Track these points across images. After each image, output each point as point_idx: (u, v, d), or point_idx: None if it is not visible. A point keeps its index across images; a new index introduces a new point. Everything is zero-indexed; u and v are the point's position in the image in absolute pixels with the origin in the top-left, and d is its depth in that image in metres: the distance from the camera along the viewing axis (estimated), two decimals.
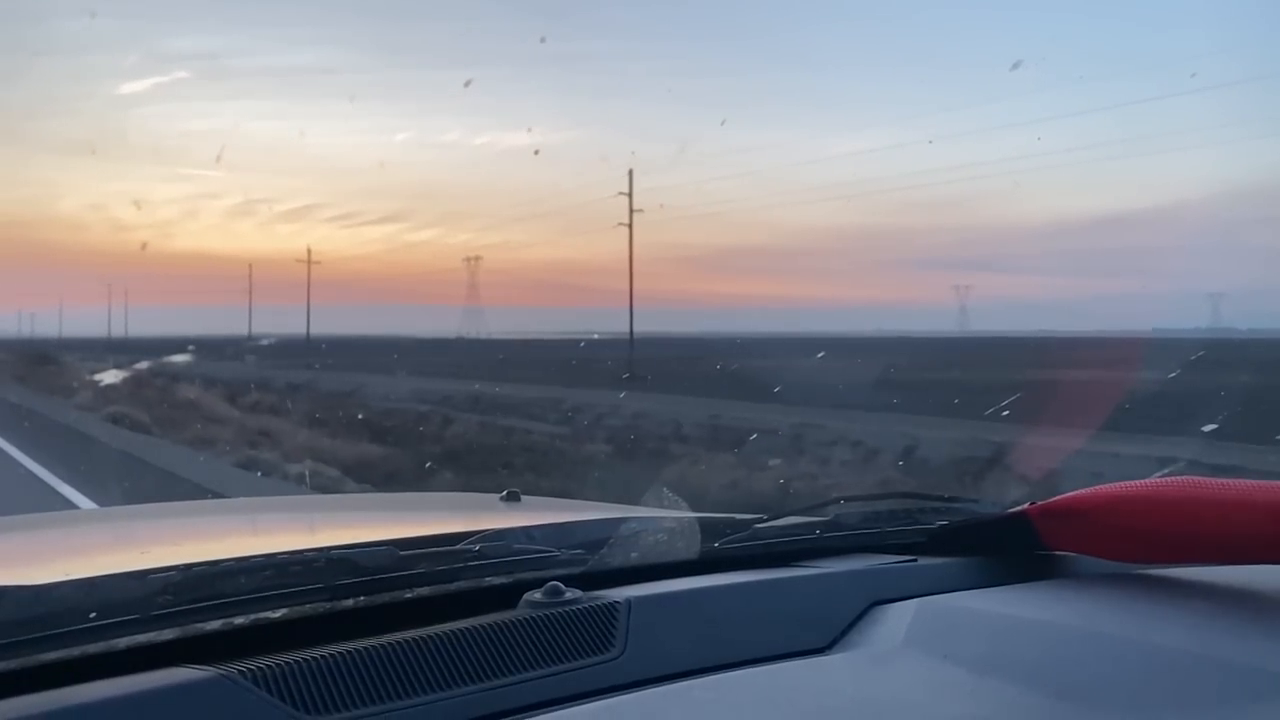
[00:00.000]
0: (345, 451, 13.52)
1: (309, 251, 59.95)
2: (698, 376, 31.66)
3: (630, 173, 37.81)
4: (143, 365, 31.78)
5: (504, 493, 1.66)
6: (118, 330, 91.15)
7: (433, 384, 30.36)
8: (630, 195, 37.12)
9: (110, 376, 25.31)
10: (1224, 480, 1.09)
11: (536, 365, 39.85)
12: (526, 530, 1.15)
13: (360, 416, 19.82)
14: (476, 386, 28.55)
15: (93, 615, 0.82)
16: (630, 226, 37.11)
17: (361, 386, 29.87)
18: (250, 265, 68.72)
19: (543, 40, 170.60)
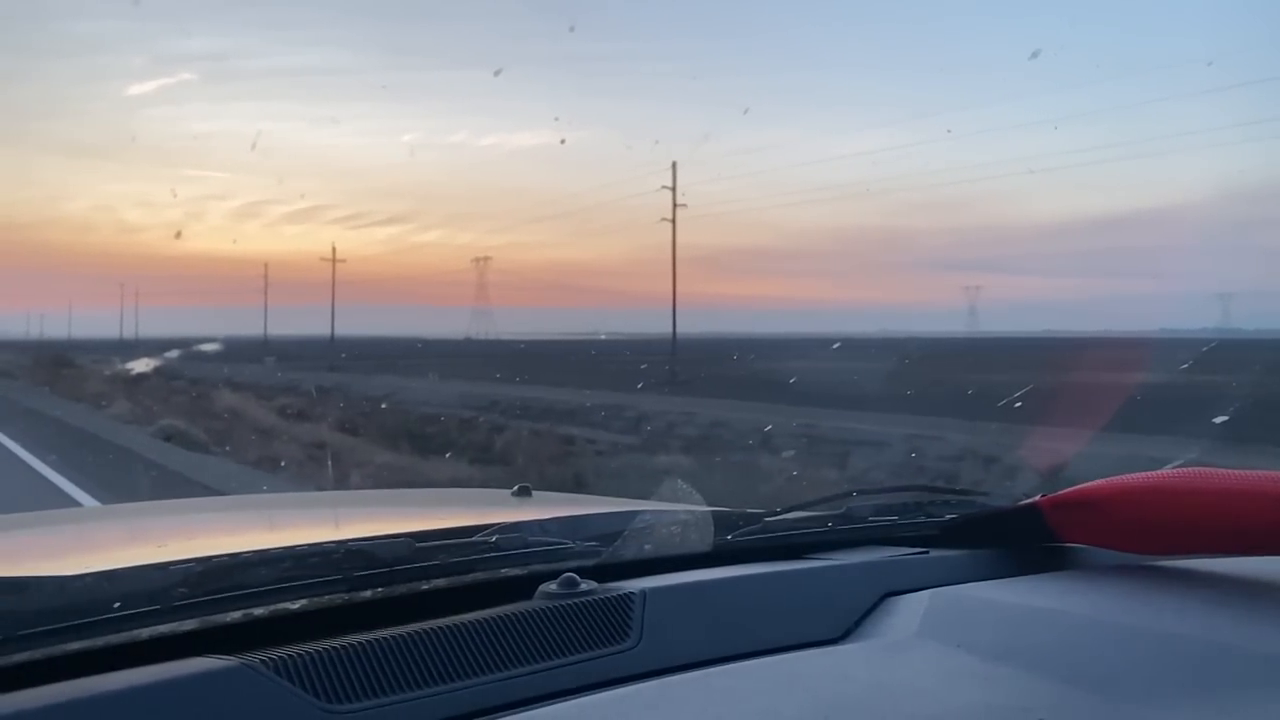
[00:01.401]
0: (427, 471, 12.08)
1: (334, 250, 58.25)
2: (746, 379, 30.26)
3: (674, 165, 36.21)
4: (164, 366, 30.39)
5: (515, 488, 1.66)
6: (128, 331, 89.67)
7: (469, 387, 28.91)
8: (674, 189, 35.55)
9: (137, 380, 23.86)
10: (1234, 471, 1.08)
11: (567, 367, 38.39)
12: (541, 523, 1.16)
13: (413, 426, 18.50)
14: (516, 390, 27.17)
15: (116, 606, 0.82)
16: (674, 221, 35.57)
17: (396, 391, 28.40)
18: (266, 265, 66.98)
19: (572, 29, 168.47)
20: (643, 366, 39.38)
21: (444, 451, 15.48)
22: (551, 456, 16.12)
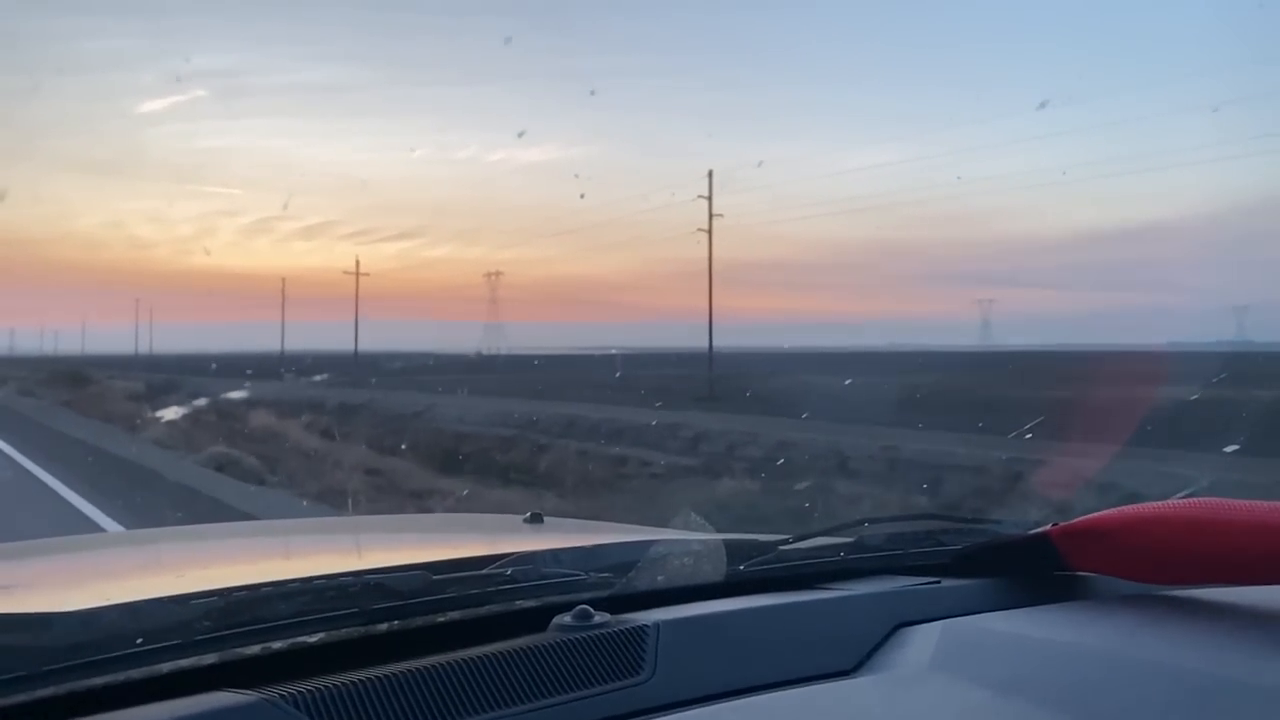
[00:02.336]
0: (492, 499, 10.99)
1: (357, 263, 57.21)
2: (789, 395, 29.11)
3: (710, 174, 35.17)
4: (183, 382, 29.37)
5: (528, 514, 1.64)
6: (141, 347, 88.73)
7: (501, 405, 27.80)
8: (710, 198, 34.47)
9: (164, 399, 22.77)
10: (1246, 501, 1.07)
11: (594, 382, 37.27)
12: (554, 553, 1.15)
13: (461, 448, 17.43)
14: (552, 408, 26.03)
15: (138, 641, 0.83)
16: (710, 232, 34.47)
17: (428, 408, 27.30)
18: (284, 280, 66.17)
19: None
20: (673, 382, 38.30)
21: (499, 475, 14.47)
22: (604, 480, 15.07)
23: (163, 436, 13.83)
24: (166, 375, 38.08)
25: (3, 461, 11.20)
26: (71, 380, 32.82)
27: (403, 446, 16.62)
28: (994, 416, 18.02)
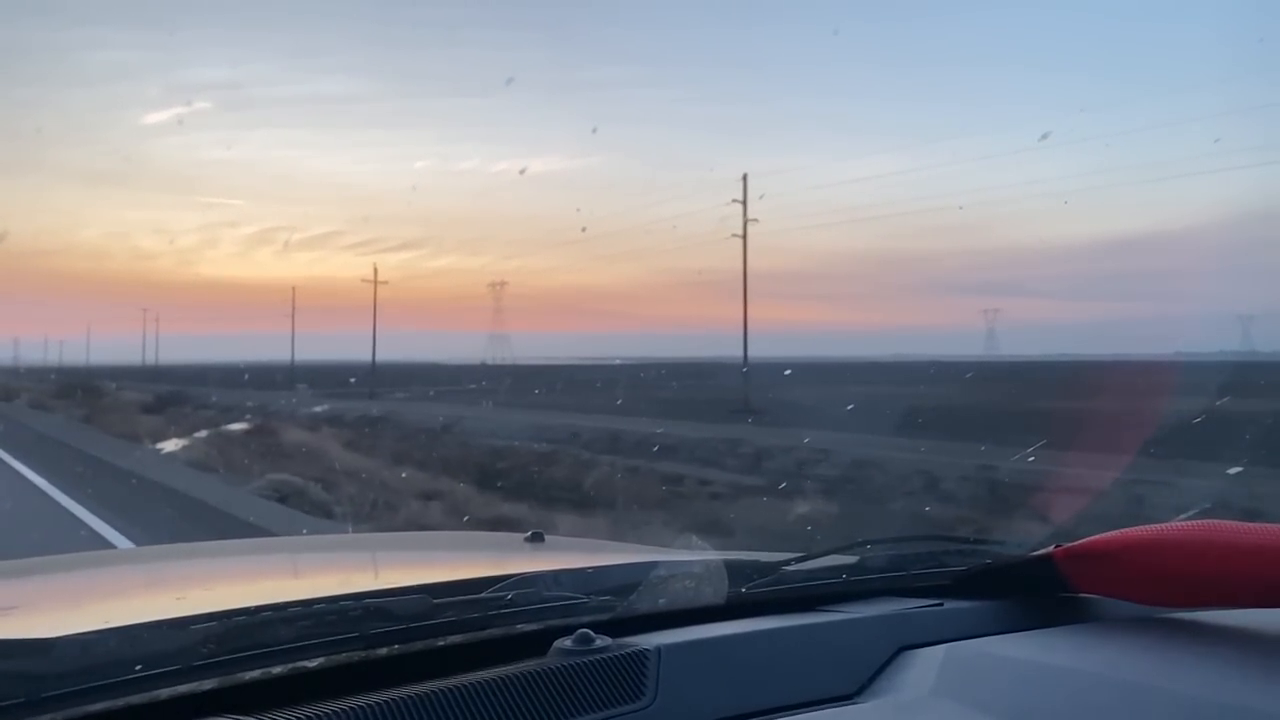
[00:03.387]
0: (561, 523, 9.81)
1: (375, 271, 55.83)
2: (830, 407, 27.98)
3: (745, 178, 34.01)
4: (200, 395, 28.21)
5: (529, 533, 1.64)
6: (147, 357, 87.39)
7: (531, 417, 26.61)
8: (744, 203, 33.32)
9: (186, 413, 21.58)
10: (1250, 524, 1.07)
11: (620, 393, 36.11)
12: (555, 575, 1.14)
13: (508, 467, 16.27)
14: (589, 420, 24.85)
15: (137, 667, 0.82)
16: (745, 237, 33.31)
17: (455, 421, 26.11)
18: (294, 290, 65.03)
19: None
20: (695, 393, 37.21)
21: (562, 497, 13.33)
22: (658, 500, 13.93)
23: (202, 458, 12.52)
24: (177, 387, 36.90)
25: (40, 499, 9.75)
26: (83, 393, 31.52)
27: (449, 466, 15.49)
28: (1059, 431, 16.93)
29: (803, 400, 31.20)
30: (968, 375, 56.57)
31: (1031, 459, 14.68)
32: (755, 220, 33.82)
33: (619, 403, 31.92)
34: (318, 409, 27.96)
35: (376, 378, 49.32)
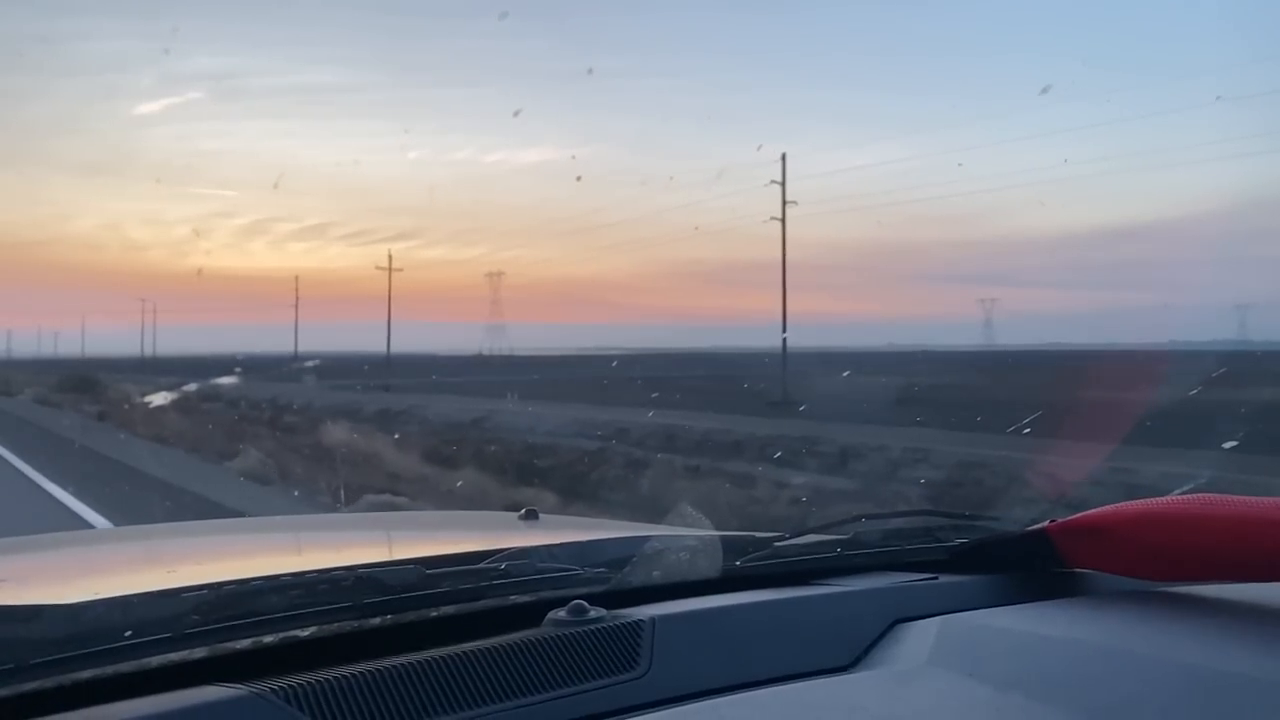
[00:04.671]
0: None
1: (390, 258, 54.21)
2: (875, 399, 26.61)
3: (783, 156, 32.48)
4: (210, 390, 26.67)
5: (523, 510, 1.63)
6: (144, 349, 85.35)
7: (565, 411, 25.17)
8: (783, 184, 31.84)
9: (206, 409, 20.00)
10: (1244, 497, 1.07)
11: (647, 385, 34.68)
12: (549, 548, 1.14)
13: (567, 468, 14.90)
14: (625, 414, 23.40)
15: (127, 634, 0.82)
16: (784, 220, 31.84)
17: (486, 416, 24.65)
18: (298, 279, 63.05)
19: (590, 71, 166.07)
20: (716, 384, 35.82)
21: (643, 504, 11.96)
22: (731, 505, 12.56)
23: (255, 468, 10.87)
24: (180, 378, 35.24)
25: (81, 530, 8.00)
26: (88, 386, 29.83)
27: (514, 468, 14.10)
28: (1161, 425, 15.58)
29: (838, 392, 29.82)
30: (984, 365, 55.52)
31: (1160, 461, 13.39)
32: (794, 203, 32.30)
33: (650, 395, 30.46)
34: (341, 402, 26.44)
35: (375, 369, 47.83)
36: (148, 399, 22.16)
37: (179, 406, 19.37)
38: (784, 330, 32.50)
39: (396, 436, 15.88)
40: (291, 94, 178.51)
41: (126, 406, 21.49)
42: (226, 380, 30.60)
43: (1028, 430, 15.87)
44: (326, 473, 10.60)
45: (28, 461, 12.50)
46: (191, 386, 27.57)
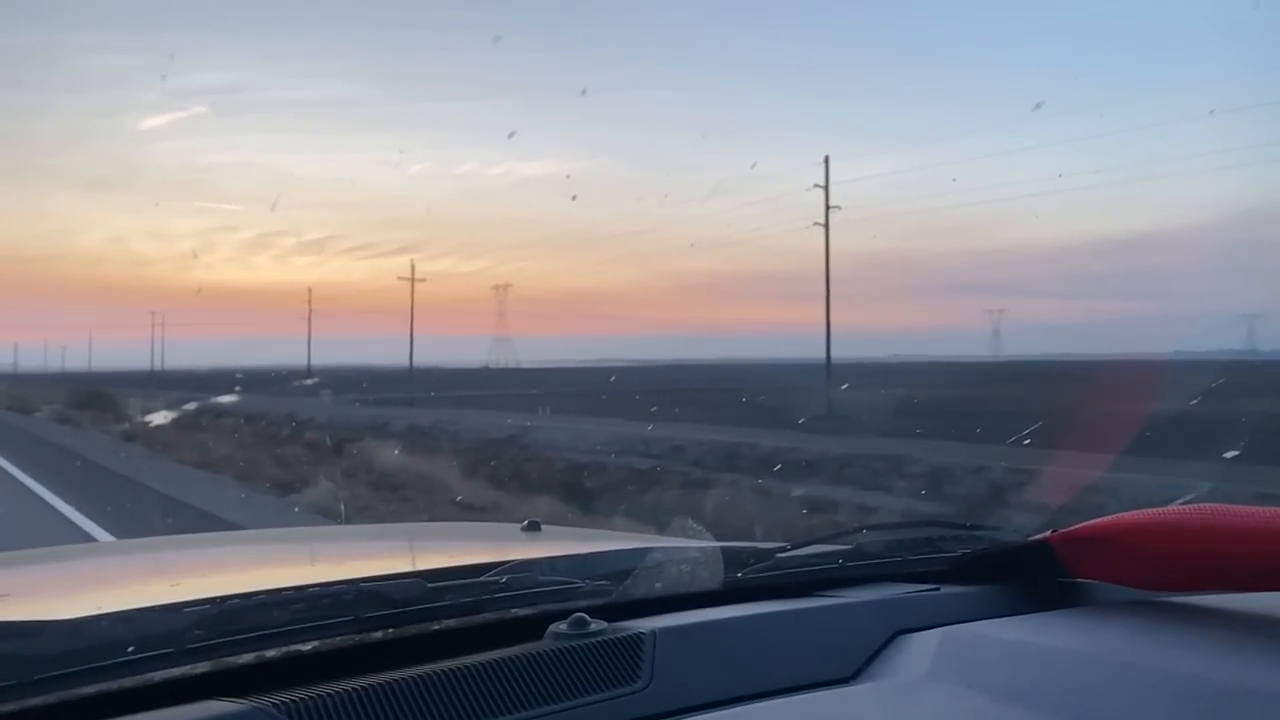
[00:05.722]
0: None
1: (412, 268, 53.19)
2: (921, 413, 25.52)
3: (826, 159, 31.45)
4: (231, 407, 25.53)
5: (525, 522, 1.62)
6: (152, 363, 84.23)
7: (602, 427, 23.99)
8: (826, 188, 30.77)
9: (242, 429, 18.85)
10: (1245, 508, 1.06)
11: (677, 399, 33.57)
12: (551, 561, 1.13)
13: (637, 492, 13.77)
14: (665, 430, 22.26)
15: (130, 649, 0.82)
16: (827, 225, 30.79)
17: (522, 433, 23.44)
18: (310, 292, 62.31)
19: (583, 92, 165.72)
20: (736, 398, 34.80)
21: (733, 534, 10.83)
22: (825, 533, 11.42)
23: (325, 500, 9.72)
24: (190, 393, 34.04)
25: None
26: (105, 403, 28.68)
27: (584, 493, 13.04)
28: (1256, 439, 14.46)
29: (874, 404, 28.75)
30: (1002, 376, 54.51)
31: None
32: (837, 208, 31.24)
33: (684, 410, 29.32)
34: (371, 420, 25.28)
35: (385, 383, 46.86)
36: (168, 416, 21.00)
37: (204, 425, 18.18)
38: (828, 342, 31.43)
39: (451, 459, 14.73)
40: (294, 108, 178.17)
41: (151, 425, 20.30)
42: (237, 396, 29.49)
43: (1128, 449, 14.82)
44: (403, 506, 9.45)
45: (81, 510, 10.10)
46: (206, 401, 26.43)
